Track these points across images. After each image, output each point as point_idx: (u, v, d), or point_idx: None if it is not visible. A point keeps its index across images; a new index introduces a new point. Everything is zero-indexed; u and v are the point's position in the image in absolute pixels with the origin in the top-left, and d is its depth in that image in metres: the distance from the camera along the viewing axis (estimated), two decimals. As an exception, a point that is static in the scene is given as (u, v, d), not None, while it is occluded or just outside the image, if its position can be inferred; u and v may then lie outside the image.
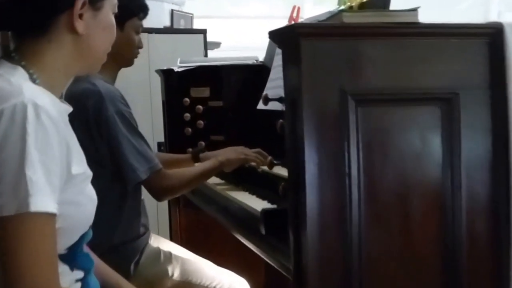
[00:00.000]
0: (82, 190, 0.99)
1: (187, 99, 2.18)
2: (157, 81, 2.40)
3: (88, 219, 1.02)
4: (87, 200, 1.00)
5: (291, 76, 1.17)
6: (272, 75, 1.98)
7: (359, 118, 1.12)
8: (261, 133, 1.90)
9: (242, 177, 1.81)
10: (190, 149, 2.11)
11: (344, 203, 1.13)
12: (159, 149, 2.44)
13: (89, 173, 1.03)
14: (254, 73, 2.17)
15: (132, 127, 1.62)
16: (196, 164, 1.88)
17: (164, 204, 2.44)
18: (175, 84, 2.21)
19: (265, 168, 1.71)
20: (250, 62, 2.23)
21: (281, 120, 1.30)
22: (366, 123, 1.13)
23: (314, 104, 1.11)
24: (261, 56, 2.27)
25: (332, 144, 1.12)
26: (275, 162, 1.49)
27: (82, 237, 1.02)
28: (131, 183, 1.59)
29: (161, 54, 3.07)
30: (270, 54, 2.13)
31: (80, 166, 0.98)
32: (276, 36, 1.22)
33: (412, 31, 1.13)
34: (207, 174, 1.69)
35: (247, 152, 1.79)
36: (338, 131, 1.12)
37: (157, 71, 2.33)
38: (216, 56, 2.95)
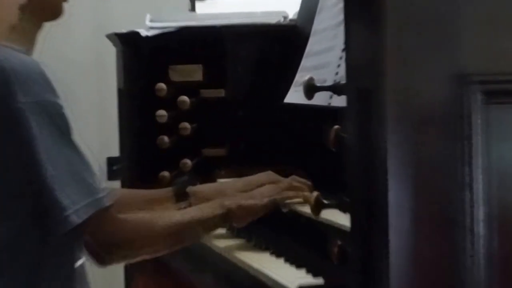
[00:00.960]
0: None
1: (162, 86, 2.18)
2: (110, 53, 2.41)
3: None
4: None
5: (362, 48, 1.15)
6: (312, 45, 1.98)
7: (492, 122, 1.09)
8: (294, 147, 1.90)
9: (261, 225, 1.80)
10: (167, 173, 2.10)
11: (459, 282, 1.10)
12: (110, 169, 2.46)
13: None
14: (280, 42, 2.19)
15: (62, 131, 1.56)
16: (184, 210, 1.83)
17: (118, 268, 2.39)
18: (143, 58, 2.22)
19: (300, 209, 1.68)
20: (273, 21, 2.24)
21: (336, 126, 1.29)
22: (504, 132, 1.10)
23: (407, 98, 1.09)
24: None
25: (440, 170, 1.09)
26: (324, 201, 1.45)
27: None
28: (58, 230, 1.53)
29: (117, 9, 3.11)
30: (307, 10, 2.14)
31: None
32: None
33: None
34: (199, 228, 1.69)
35: (279, 187, 1.76)
36: (451, 147, 1.09)
37: (110, 36, 2.34)
38: (210, 12, 2.92)
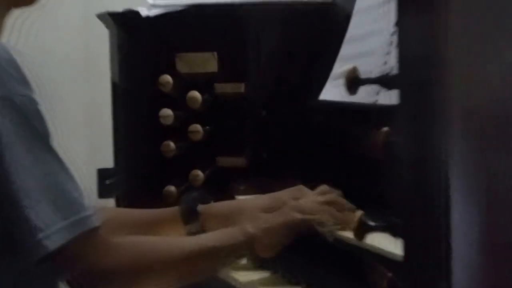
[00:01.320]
0: None
1: (167, 78, 2.19)
2: (102, 38, 2.43)
3: None
4: None
5: (419, 30, 1.16)
6: (354, 28, 2.02)
7: None
8: (330, 155, 1.90)
9: (290, 253, 1.79)
10: (173, 188, 2.08)
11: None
12: (102, 184, 2.48)
13: None
14: (314, 24, 2.21)
15: (36, 133, 1.57)
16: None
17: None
18: (143, 44, 2.25)
19: (339, 233, 1.69)
20: (305, -1, 2.29)
21: (385, 129, 1.30)
22: None
23: (476, 94, 1.09)
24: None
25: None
26: (369, 223, 1.45)
27: None
28: (28, 258, 1.54)
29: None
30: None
31: None
32: None
33: None
34: (215, 259, 1.70)
35: (311, 208, 1.75)
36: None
37: (102, 16, 2.36)
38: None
